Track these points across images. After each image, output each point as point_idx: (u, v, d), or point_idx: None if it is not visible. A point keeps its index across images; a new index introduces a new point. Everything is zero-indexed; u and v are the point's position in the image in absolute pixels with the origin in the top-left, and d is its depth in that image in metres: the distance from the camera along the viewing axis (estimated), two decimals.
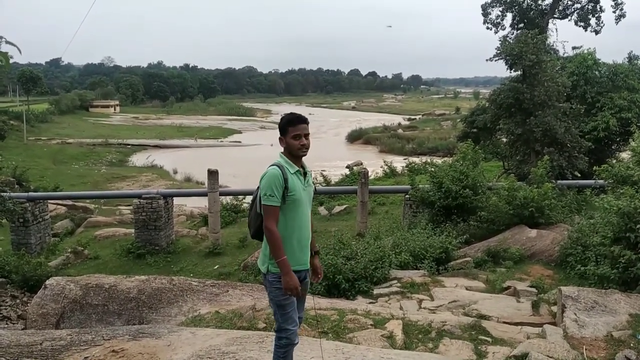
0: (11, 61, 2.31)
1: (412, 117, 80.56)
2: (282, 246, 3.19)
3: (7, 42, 2.22)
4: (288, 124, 3.25)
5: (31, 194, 16.95)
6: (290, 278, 3.18)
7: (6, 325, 8.95)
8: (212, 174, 14.91)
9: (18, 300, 10.89)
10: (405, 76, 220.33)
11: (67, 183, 29.62)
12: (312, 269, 3.50)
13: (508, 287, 8.05)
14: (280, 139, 3.29)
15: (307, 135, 3.27)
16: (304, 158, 3.36)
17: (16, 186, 21.83)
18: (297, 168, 3.27)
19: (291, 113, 3.36)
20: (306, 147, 3.26)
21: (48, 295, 6.97)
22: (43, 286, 7.27)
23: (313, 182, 3.52)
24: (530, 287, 7.91)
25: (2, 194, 12.72)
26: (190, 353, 4.08)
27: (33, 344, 4.41)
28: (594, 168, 8.74)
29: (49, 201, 17.90)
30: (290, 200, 3.22)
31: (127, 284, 7.13)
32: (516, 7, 28.79)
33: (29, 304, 9.07)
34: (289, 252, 3.22)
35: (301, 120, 3.27)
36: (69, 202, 22.19)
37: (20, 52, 2.37)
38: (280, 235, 3.20)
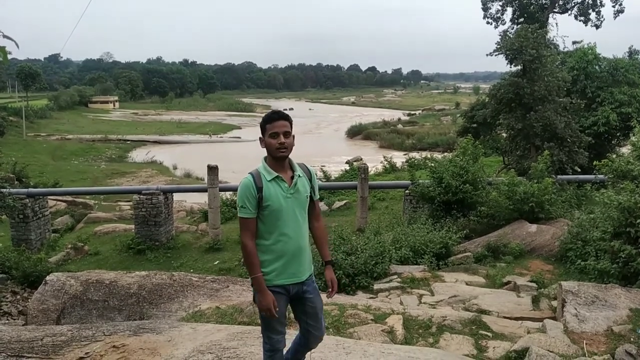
0: (10, 57, 2.29)
1: (412, 112, 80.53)
2: (255, 262, 2.98)
3: (5, 37, 2.19)
4: (265, 121, 2.99)
5: (31, 190, 16.92)
6: (264, 297, 2.94)
7: (7, 321, 8.94)
8: (212, 170, 14.88)
9: (18, 296, 10.89)
10: (405, 71, 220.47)
11: (67, 179, 29.60)
12: (326, 281, 3.24)
13: (508, 282, 8.06)
14: (260, 139, 3.03)
15: (287, 134, 2.96)
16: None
17: (16, 182, 21.80)
18: (276, 174, 2.97)
19: (271, 110, 3.10)
20: (285, 147, 2.95)
21: (48, 291, 6.96)
22: (43, 282, 7.26)
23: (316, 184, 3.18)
24: (531, 282, 7.91)
25: (2, 190, 12.69)
26: (191, 348, 4.08)
27: (34, 340, 4.41)
28: (594, 163, 8.74)
29: (49, 197, 17.87)
30: (268, 211, 2.95)
31: (127, 280, 7.12)
32: (516, 2, 28.74)
33: (29, 300, 9.06)
34: (276, 265, 3.00)
35: (280, 116, 2.99)
36: (69, 198, 22.20)
37: (17, 47, 2.35)
38: (266, 246, 3.00)
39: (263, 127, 2.99)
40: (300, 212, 3.04)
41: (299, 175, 3.04)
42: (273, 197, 2.94)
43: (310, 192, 3.11)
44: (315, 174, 3.23)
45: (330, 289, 3.21)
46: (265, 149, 3.01)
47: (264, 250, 3.01)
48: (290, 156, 3.04)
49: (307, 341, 3.22)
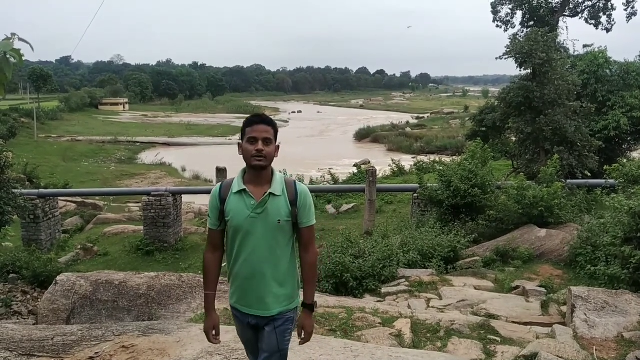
0: (23, 58, 2.32)
1: (421, 115, 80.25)
2: (208, 277, 2.69)
3: (20, 39, 2.23)
4: (245, 124, 2.58)
5: (42, 190, 17.10)
6: (208, 319, 2.71)
7: (17, 321, 9.03)
8: (221, 172, 14.95)
9: (29, 296, 10.99)
10: (413, 74, 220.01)
11: (77, 180, 29.90)
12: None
13: (517, 287, 8.00)
14: (238, 144, 2.60)
15: (267, 141, 2.51)
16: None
17: (27, 183, 22.04)
18: (243, 187, 2.54)
19: (254, 113, 2.75)
20: (263, 156, 2.49)
21: (59, 291, 7.03)
22: (54, 282, 7.34)
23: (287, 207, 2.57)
24: (540, 287, 7.86)
25: (13, 190, 12.83)
26: (200, 349, 4.10)
27: (44, 339, 4.45)
28: (605, 167, 8.71)
29: (59, 198, 18.06)
30: (229, 226, 2.58)
31: (136, 281, 7.18)
32: (526, 5, 28.56)
33: (39, 300, 9.16)
34: (235, 287, 2.66)
35: (262, 120, 2.56)
36: (79, 199, 22.42)
37: (32, 49, 2.39)
38: (230, 264, 2.65)
39: (243, 130, 2.58)
40: (274, 236, 2.55)
41: (272, 194, 2.54)
42: (234, 212, 2.54)
43: (294, 218, 2.58)
44: (307, 196, 2.63)
45: (301, 337, 2.68)
46: (242, 155, 2.57)
47: (229, 267, 2.68)
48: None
49: None
